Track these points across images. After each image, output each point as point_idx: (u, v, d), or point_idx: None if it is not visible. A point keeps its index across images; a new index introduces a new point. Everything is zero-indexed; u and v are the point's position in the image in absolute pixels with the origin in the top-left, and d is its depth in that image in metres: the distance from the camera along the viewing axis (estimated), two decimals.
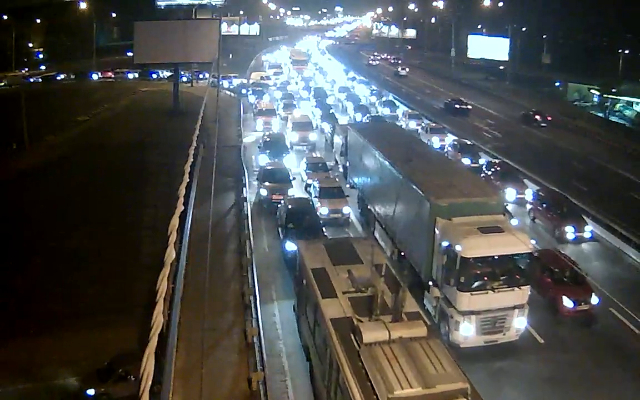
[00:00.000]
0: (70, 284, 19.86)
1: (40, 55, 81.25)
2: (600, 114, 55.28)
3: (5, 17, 68.90)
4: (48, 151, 37.94)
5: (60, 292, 19.42)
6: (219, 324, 15.90)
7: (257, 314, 15.95)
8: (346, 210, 24.26)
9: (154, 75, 70.66)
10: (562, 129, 45.45)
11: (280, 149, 32.32)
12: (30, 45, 79.90)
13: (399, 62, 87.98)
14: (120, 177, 30.87)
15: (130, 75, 71.93)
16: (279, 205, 23.08)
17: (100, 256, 21.72)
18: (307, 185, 27.17)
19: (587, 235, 23.01)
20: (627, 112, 55.28)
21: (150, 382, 10.28)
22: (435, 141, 36.54)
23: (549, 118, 46.34)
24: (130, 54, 54.57)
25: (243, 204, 24.52)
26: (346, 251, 15.29)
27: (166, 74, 66.67)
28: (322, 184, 25.17)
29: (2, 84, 64.00)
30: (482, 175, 28.54)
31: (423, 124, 40.54)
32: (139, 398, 9.95)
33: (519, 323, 15.21)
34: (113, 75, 72.41)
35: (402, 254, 18.74)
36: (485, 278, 14.84)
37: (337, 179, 27.19)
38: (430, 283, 16.09)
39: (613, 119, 53.92)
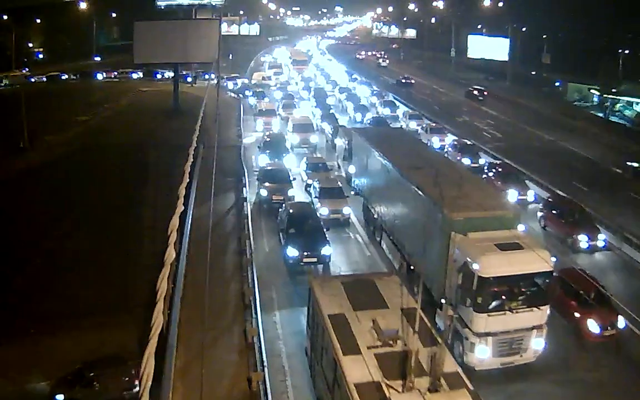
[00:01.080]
0: (70, 284, 19.84)
1: (40, 55, 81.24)
2: (600, 114, 55.31)
3: (5, 17, 68.91)
4: (48, 151, 37.92)
5: (60, 292, 19.40)
6: (219, 324, 15.91)
7: (257, 314, 15.96)
8: (346, 210, 24.06)
9: (158, 76, 70.35)
10: (495, 99, 58.49)
11: (280, 149, 32.15)
12: (30, 45, 79.91)
13: (385, 56, 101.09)
14: (120, 177, 30.85)
15: (135, 75, 71.63)
16: (280, 210, 22.51)
17: (100, 256, 21.69)
18: (307, 186, 27.06)
19: (600, 243, 22.07)
20: (627, 112, 55.29)
21: (150, 382, 10.29)
22: (435, 141, 36.50)
23: (486, 93, 59.31)
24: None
25: (243, 203, 24.53)
26: (368, 292, 13.33)
27: (170, 74, 65.98)
28: (322, 184, 24.96)
29: (4, 83, 63.81)
30: (484, 176, 28.28)
31: (423, 125, 40.50)
32: (139, 398, 9.95)
33: (537, 344, 14.40)
34: (117, 75, 72.05)
35: (412, 267, 18.01)
36: (504, 298, 13.97)
37: (338, 180, 26.86)
38: (443, 301, 15.25)
39: (613, 119, 53.95)
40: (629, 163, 32.99)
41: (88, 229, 24.47)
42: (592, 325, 16.05)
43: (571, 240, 22.20)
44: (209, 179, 18.74)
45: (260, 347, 14.36)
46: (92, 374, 14.67)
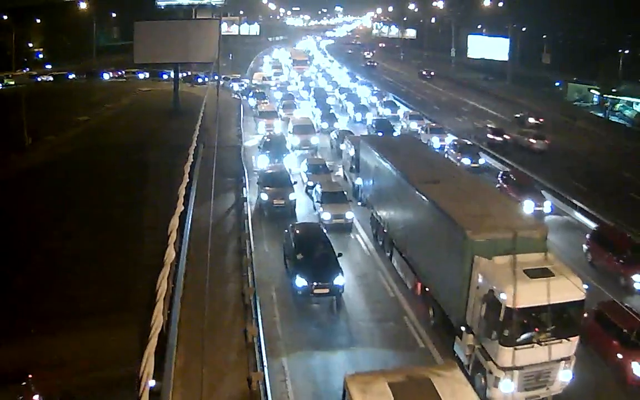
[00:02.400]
0: (70, 284, 19.84)
1: (41, 55, 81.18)
2: (600, 114, 55.34)
3: (5, 17, 68.87)
4: (48, 151, 37.94)
5: (61, 292, 19.39)
6: (219, 324, 15.90)
7: (257, 314, 15.96)
8: (349, 215, 23.64)
9: (165, 76, 68.65)
10: (442, 79, 74.34)
11: (281, 149, 31.81)
12: (30, 45, 79.86)
13: (373, 51, 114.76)
14: (120, 177, 30.85)
15: (141, 76, 71.04)
16: (285, 231, 20.39)
17: (100, 256, 21.68)
18: (309, 187, 26.82)
19: None
20: (627, 112, 55.31)
21: (150, 382, 10.30)
22: (435, 141, 36.43)
23: (432, 73, 76.83)
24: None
25: (243, 204, 24.53)
26: (424, 395, 10.32)
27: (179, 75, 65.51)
28: (324, 189, 24.44)
29: (6, 83, 63.78)
30: (497, 186, 26.86)
31: (423, 125, 40.38)
32: (139, 398, 9.96)
33: (564, 376, 13.36)
34: (124, 75, 71.58)
35: (427, 289, 16.89)
36: (532, 330, 12.85)
37: (340, 184, 26.35)
38: (463, 328, 14.15)
39: (613, 119, 53.97)
40: None
41: (88, 228, 24.46)
42: (638, 369, 14.18)
43: (625, 281, 19.16)
44: (209, 179, 18.76)
45: (260, 347, 14.37)
46: None
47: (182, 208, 20.09)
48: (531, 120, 45.68)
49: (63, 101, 53.40)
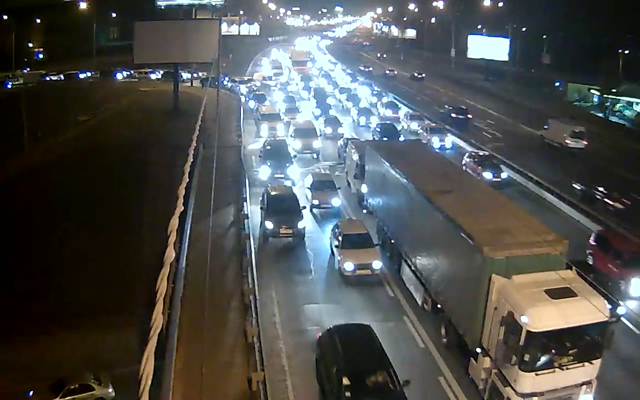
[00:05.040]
0: (70, 284, 19.85)
1: (40, 55, 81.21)
2: (600, 114, 55.35)
3: (5, 17, 68.92)
4: (48, 151, 37.95)
5: (60, 292, 19.41)
6: (219, 324, 15.90)
7: (257, 314, 15.96)
8: (377, 264, 19.05)
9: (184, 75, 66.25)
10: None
11: (283, 158, 29.53)
12: (30, 45, 79.89)
13: (365, 44, 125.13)
14: (120, 177, 30.85)
15: (153, 76, 69.97)
16: (318, 338, 14.41)
17: (100, 256, 21.69)
18: (313, 206, 24.77)
19: None
20: (627, 113, 55.32)
21: (150, 382, 10.27)
22: (435, 141, 36.33)
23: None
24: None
25: (243, 204, 24.38)
26: None
27: (186, 75, 63.98)
28: (345, 231, 20.07)
29: (16, 82, 63.76)
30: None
31: (423, 125, 40.20)
32: (138, 398, 9.94)
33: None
34: (136, 75, 70.88)
35: (439, 306, 15.99)
36: (554, 354, 12.15)
37: (363, 224, 21.18)
38: (479, 350, 13.43)
39: (613, 119, 53.98)
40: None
41: (88, 228, 24.47)
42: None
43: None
44: (209, 179, 18.74)
45: (260, 347, 14.36)
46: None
47: (182, 208, 20.06)
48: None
49: (63, 101, 53.37)
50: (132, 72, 71.43)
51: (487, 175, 29.17)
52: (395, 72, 79.62)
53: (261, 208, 23.24)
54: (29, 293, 19.54)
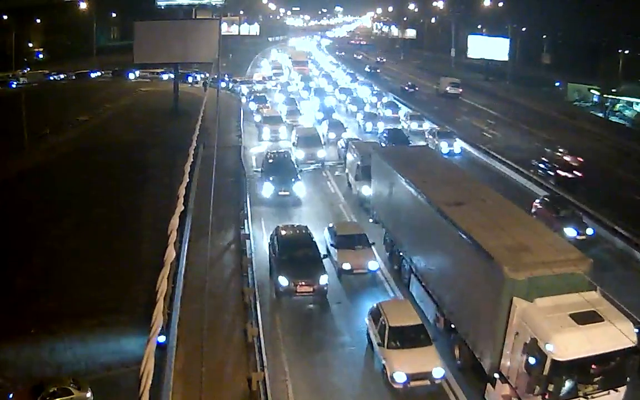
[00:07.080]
0: (70, 284, 19.84)
1: (41, 55, 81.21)
2: (600, 114, 55.34)
3: (5, 17, 68.91)
4: (48, 151, 37.94)
5: (60, 292, 19.40)
6: (219, 324, 15.92)
7: (257, 314, 15.96)
8: (438, 372, 13.84)
9: (190, 79, 64.76)
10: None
11: (288, 173, 26.31)
12: (30, 45, 79.90)
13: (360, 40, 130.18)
14: (120, 177, 30.86)
15: (165, 77, 67.96)
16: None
17: (100, 256, 21.69)
18: (341, 271, 19.09)
19: None
20: (627, 112, 55.32)
21: (150, 382, 10.29)
22: (444, 146, 35.16)
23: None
24: None
25: (243, 202, 24.32)
26: None
27: (199, 76, 63.26)
28: (394, 322, 14.50)
29: (18, 82, 63.70)
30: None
31: (429, 128, 39.47)
32: (138, 398, 9.95)
33: None
34: (149, 76, 69.99)
35: (452, 326, 15.03)
36: (579, 382, 11.51)
37: (419, 319, 15.31)
38: (497, 376, 12.71)
39: (613, 119, 53.97)
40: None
41: (88, 228, 24.47)
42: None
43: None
44: (209, 179, 18.75)
45: (260, 347, 14.37)
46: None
47: (182, 208, 20.10)
48: None
49: (64, 101, 53.38)
50: (144, 72, 70.06)
51: (570, 232, 21.93)
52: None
53: (270, 252, 19.22)
54: (29, 292, 19.53)
